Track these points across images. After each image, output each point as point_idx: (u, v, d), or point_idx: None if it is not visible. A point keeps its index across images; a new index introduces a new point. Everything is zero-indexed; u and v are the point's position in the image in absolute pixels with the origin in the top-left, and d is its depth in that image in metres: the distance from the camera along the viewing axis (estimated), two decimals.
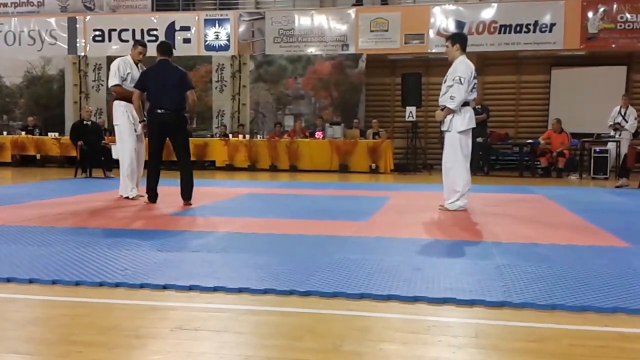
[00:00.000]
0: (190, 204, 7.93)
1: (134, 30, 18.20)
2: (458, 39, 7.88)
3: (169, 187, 8.69)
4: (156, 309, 3.49)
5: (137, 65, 8.76)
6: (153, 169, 8.18)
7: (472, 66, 7.67)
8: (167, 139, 8.14)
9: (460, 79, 7.46)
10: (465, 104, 7.63)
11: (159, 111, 7.93)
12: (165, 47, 8.30)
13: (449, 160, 7.74)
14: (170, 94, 7.90)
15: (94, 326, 3.19)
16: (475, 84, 7.67)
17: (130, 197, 8.58)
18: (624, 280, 4.10)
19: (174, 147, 8.13)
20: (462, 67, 7.55)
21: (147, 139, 8.55)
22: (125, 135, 8.70)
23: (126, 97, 8.52)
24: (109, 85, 8.84)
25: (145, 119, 8.14)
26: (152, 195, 8.16)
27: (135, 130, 8.62)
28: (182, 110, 8.04)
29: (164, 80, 7.94)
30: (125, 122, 8.64)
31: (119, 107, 8.68)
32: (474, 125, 7.79)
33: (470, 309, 3.52)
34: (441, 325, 3.25)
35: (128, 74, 8.62)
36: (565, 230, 6.29)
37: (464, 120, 7.62)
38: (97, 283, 3.93)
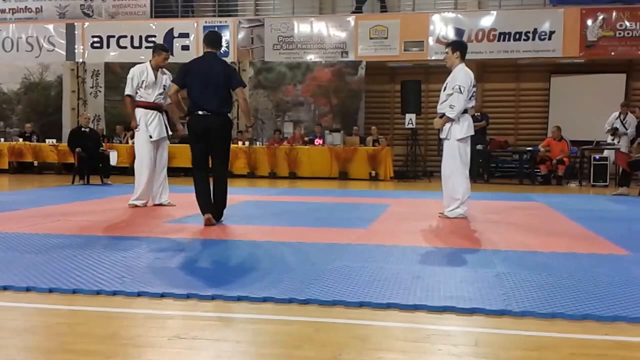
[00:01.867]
0: (221, 221, 6.99)
1: (132, 37, 18.21)
2: (458, 46, 7.87)
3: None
4: (154, 318, 3.46)
5: (157, 71, 8.55)
6: (200, 182, 6.88)
7: (472, 74, 7.68)
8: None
9: (460, 88, 7.46)
10: (464, 111, 7.63)
11: (199, 113, 6.81)
12: (212, 38, 7.14)
13: (448, 168, 7.73)
14: (213, 93, 6.76)
15: (91, 335, 3.16)
16: (474, 92, 7.67)
17: (138, 204, 8.53)
18: (624, 288, 4.08)
19: (211, 154, 6.95)
20: (461, 76, 7.55)
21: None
22: (138, 142, 8.61)
23: (148, 105, 8.47)
24: (126, 92, 8.62)
25: (184, 115, 7.32)
26: (208, 211, 6.81)
27: (151, 137, 8.47)
28: (226, 113, 6.95)
29: (207, 76, 6.80)
30: (141, 130, 8.50)
31: (137, 113, 8.54)
32: (473, 133, 7.79)
33: (470, 318, 3.50)
34: (441, 333, 3.23)
35: (142, 81, 8.46)
36: (565, 238, 6.27)
37: (463, 128, 7.61)
38: (94, 291, 3.91)
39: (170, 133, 8.78)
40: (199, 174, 6.92)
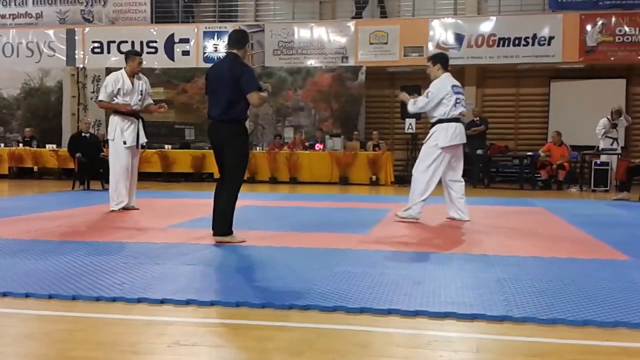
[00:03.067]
0: (220, 241, 6.16)
1: (133, 42, 18.20)
2: (439, 58, 8.03)
3: (163, 200, 8.66)
4: (153, 324, 3.45)
5: (133, 77, 8.63)
6: (215, 193, 6.38)
7: (452, 83, 7.77)
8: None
9: (427, 94, 7.70)
10: (453, 119, 7.70)
11: (210, 121, 6.39)
12: (235, 38, 6.45)
13: (418, 169, 7.83)
14: (219, 99, 6.19)
15: (90, 341, 3.15)
16: (457, 99, 7.74)
17: (116, 209, 8.58)
18: (625, 294, 4.08)
19: (224, 167, 6.30)
20: (435, 84, 7.75)
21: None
22: (113, 149, 8.69)
23: (124, 111, 8.55)
24: (98, 99, 8.79)
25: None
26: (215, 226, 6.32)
27: (125, 143, 8.55)
28: (234, 121, 6.19)
29: (216, 81, 6.27)
30: (116, 137, 8.59)
31: (111, 121, 8.67)
32: (458, 142, 7.81)
33: (471, 324, 3.49)
34: (442, 340, 3.22)
35: (119, 89, 8.51)
36: (565, 244, 6.26)
37: (447, 135, 7.67)
38: (93, 297, 3.90)
39: (145, 140, 8.89)
40: (218, 186, 6.41)
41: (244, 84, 6.06)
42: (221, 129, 6.19)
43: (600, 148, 14.55)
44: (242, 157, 6.29)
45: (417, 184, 7.79)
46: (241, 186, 6.36)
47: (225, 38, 17.58)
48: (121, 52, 18.18)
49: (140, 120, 8.76)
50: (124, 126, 8.57)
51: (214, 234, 6.22)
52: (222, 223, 6.21)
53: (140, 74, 8.77)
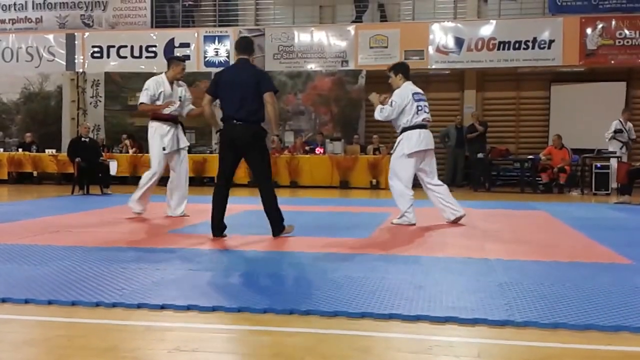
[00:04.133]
0: (281, 235, 6.67)
1: (132, 47, 18.21)
2: (399, 68, 8.15)
3: (163, 204, 8.65)
4: (154, 330, 3.44)
5: (172, 83, 8.39)
6: (217, 196, 6.66)
7: (412, 91, 7.88)
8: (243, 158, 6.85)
9: (391, 103, 7.79)
10: (418, 127, 7.82)
11: (229, 123, 6.58)
12: (245, 45, 6.92)
13: (392, 178, 7.99)
14: (241, 101, 6.48)
15: (90, 347, 3.14)
16: (419, 106, 7.85)
17: (138, 211, 8.45)
18: (627, 298, 4.06)
19: (250, 169, 6.77)
20: (397, 93, 7.86)
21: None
22: (152, 152, 8.48)
23: (162, 116, 8.34)
24: (138, 103, 8.48)
25: (217, 130, 7.00)
26: (216, 230, 6.65)
27: (164, 149, 8.31)
28: (258, 122, 6.60)
29: (235, 84, 6.54)
30: (156, 141, 8.36)
31: (150, 127, 8.43)
32: (424, 148, 7.88)
33: (472, 328, 3.47)
34: (443, 344, 3.20)
35: (160, 92, 8.27)
36: (567, 247, 6.25)
37: (411, 143, 7.77)
38: (93, 303, 3.88)
39: (186, 144, 8.62)
40: (218, 188, 6.71)
41: (263, 84, 6.54)
42: (247, 130, 6.52)
43: (609, 150, 14.47)
44: (268, 157, 6.82)
45: (394, 192, 7.92)
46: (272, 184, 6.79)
47: (226, 42, 17.65)
48: (121, 57, 18.25)
49: (179, 126, 8.55)
50: (163, 132, 8.33)
51: (275, 234, 6.64)
52: (277, 220, 6.66)
53: (180, 81, 8.56)
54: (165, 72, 8.49)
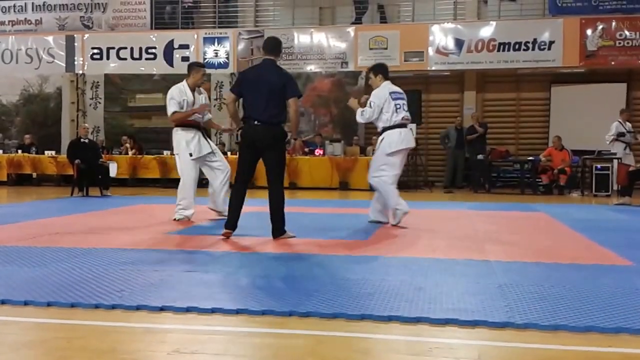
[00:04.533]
0: (283, 237, 6.65)
1: (132, 49, 18.21)
2: (378, 69, 8.21)
3: (162, 206, 8.64)
4: (153, 332, 3.43)
5: (194, 91, 8.28)
6: (234, 195, 6.70)
7: (390, 90, 7.94)
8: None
9: (370, 104, 7.86)
10: (397, 126, 7.83)
11: (251, 123, 6.57)
12: (272, 45, 6.86)
13: (373, 177, 8.10)
14: (265, 102, 6.48)
15: (89, 350, 3.13)
16: (397, 105, 7.86)
17: (187, 214, 8.30)
18: (627, 299, 4.05)
19: (266, 168, 6.65)
20: (375, 92, 7.95)
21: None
22: (182, 165, 8.38)
23: (187, 123, 8.23)
24: (168, 114, 8.27)
25: (238, 127, 7.06)
26: (229, 225, 6.68)
27: (191, 155, 8.20)
28: (279, 124, 6.63)
29: (260, 84, 6.53)
30: (182, 150, 8.27)
31: (175, 135, 8.32)
32: (405, 147, 7.94)
33: (472, 330, 3.46)
34: (444, 346, 3.20)
35: (184, 100, 8.15)
36: (567, 249, 6.24)
37: (392, 142, 7.82)
38: (92, 305, 3.87)
39: (209, 151, 8.40)
40: (237, 186, 6.72)
41: (289, 89, 6.53)
42: (268, 132, 6.54)
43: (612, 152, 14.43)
44: (285, 159, 6.85)
45: (381, 189, 8.00)
46: None
47: (226, 44, 17.65)
48: (120, 59, 18.24)
49: (203, 131, 8.44)
50: (189, 138, 8.22)
51: (275, 236, 6.64)
52: (280, 222, 6.66)
53: (201, 89, 8.48)
54: (186, 80, 8.34)
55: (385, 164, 7.89)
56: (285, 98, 6.52)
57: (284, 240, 6.56)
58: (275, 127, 6.58)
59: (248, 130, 6.62)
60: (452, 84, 18.09)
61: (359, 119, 8.06)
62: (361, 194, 14.56)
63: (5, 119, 19.57)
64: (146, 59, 18.01)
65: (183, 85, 8.30)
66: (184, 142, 8.24)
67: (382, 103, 7.80)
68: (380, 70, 8.16)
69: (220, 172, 8.40)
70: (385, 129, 7.88)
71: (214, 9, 18.74)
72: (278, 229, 6.66)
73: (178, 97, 8.17)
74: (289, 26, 18.13)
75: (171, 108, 8.18)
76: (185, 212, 8.30)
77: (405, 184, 16.03)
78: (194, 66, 8.54)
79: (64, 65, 18.62)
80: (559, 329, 3.44)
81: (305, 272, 4.90)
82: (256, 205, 8.09)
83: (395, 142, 7.80)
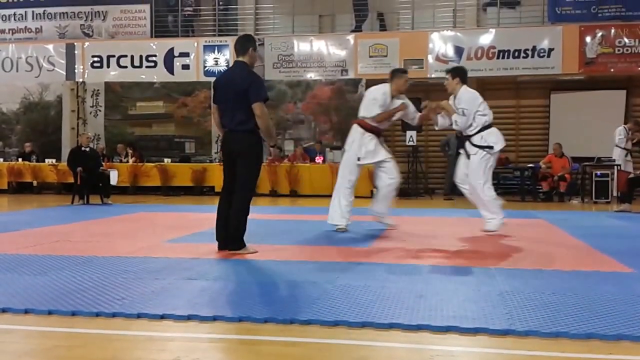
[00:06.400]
0: (233, 254, 6.15)
1: (132, 57, 18.22)
2: (458, 72, 8.16)
3: (163, 214, 8.64)
4: (154, 340, 3.43)
5: (394, 97, 7.97)
6: (219, 206, 6.39)
7: (476, 94, 8.04)
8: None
9: (463, 111, 7.81)
10: (489, 126, 8.08)
11: (225, 131, 6.31)
12: (239, 45, 6.45)
13: (476, 179, 8.02)
14: (231, 109, 6.19)
15: (90, 358, 3.13)
16: (484, 108, 8.06)
17: (340, 225, 8.06)
18: (628, 306, 4.05)
19: (236, 174, 6.25)
20: (465, 98, 7.88)
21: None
22: (344, 161, 8.39)
23: (372, 129, 7.98)
24: (367, 114, 7.92)
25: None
26: (217, 238, 6.36)
27: (359, 159, 8.07)
28: (250, 131, 6.18)
29: (227, 90, 6.23)
30: (352, 150, 8.10)
31: (353, 131, 8.13)
32: (504, 145, 8.18)
33: (474, 338, 3.46)
34: (445, 354, 3.20)
35: (383, 102, 7.89)
36: (568, 256, 6.24)
37: (498, 141, 8.06)
38: (93, 313, 3.87)
39: (382, 158, 8.17)
40: (220, 196, 6.43)
41: (252, 94, 6.06)
42: (236, 140, 6.20)
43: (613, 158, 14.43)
44: (255, 169, 6.34)
45: (485, 194, 7.96)
46: (252, 198, 6.39)
47: (226, 52, 17.67)
48: (120, 67, 18.26)
49: (381, 138, 8.22)
50: (364, 141, 7.96)
51: (229, 248, 6.18)
52: (235, 235, 6.19)
53: (402, 95, 8.15)
54: (390, 85, 8.02)
55: (486, 163, 7.95)
56: (247, 102, 6.07)
57: (284, 248, 6.55)
58: (245, 135, 6.18)
59: (224, 138, 6.40)
60: None
61: (457, 129, 8.04)
62: (362, 201, 14.54)
63: (6, 127, 19.55)
64: (146, 67, 18.02)
65: (387, 89, 7.98)
66: (357, 144, 8.06)
67: (477, 108, 7.90)
68: (459, 73, 8.12)
69: (385, 184, 8.42)
70: (484, 128, 7.98)
71: (214, 17, 18.76)
72: (233, 241, 6.20)
73: (382, 99, 7.87)
74: (289, 34, 18.16)
75: (374, 110, 7.86)
76: (344, 221, 8.19)
77: (406, 192, 16.05)
78: (398, 72, 8.27)
79: (64, 73, 18.63)
80: (560, 336, 3.44)
81: (306, 280, 4.89)
82: (256, 213, 8.08)
83: (497, 141, 8.00)
